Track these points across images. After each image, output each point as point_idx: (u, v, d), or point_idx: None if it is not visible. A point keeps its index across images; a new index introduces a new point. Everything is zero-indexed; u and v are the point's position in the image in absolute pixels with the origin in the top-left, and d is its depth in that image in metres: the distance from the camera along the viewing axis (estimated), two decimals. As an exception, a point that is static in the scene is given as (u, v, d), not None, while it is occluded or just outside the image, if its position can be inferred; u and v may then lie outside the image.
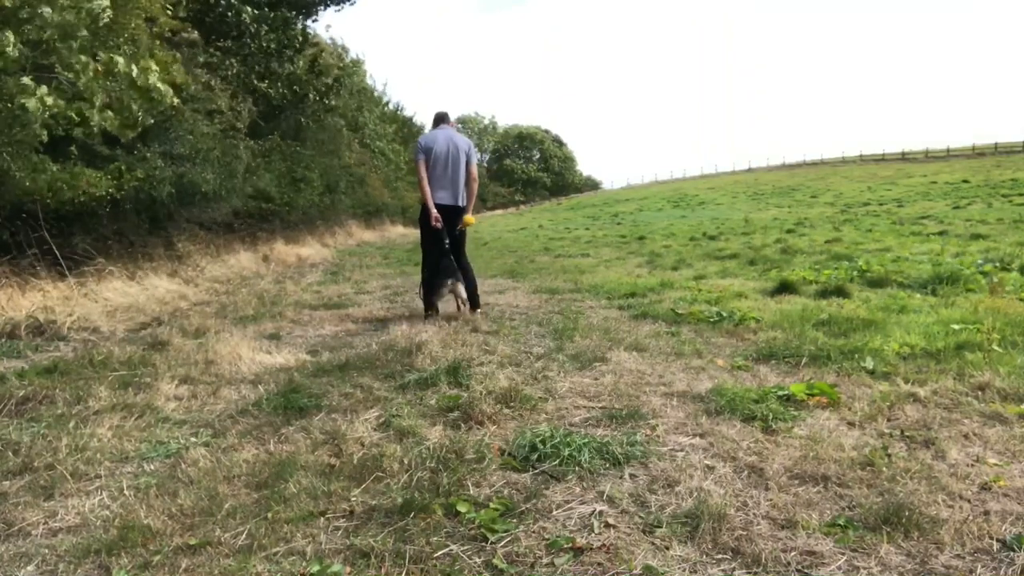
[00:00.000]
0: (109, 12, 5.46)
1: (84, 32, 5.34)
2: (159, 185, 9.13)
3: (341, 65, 25.13)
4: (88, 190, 7.20)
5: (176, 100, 6.44)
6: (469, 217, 6.05)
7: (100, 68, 5.50)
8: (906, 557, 1.92)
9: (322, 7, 17.47)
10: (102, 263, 7.93)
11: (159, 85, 5.86)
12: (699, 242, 14.76)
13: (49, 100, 5.23)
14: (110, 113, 5.82)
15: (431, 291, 5.84)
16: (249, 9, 14.11)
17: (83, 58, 5.33)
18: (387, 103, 39.21)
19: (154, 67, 5.91)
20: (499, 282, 9.08)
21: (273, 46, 15.22)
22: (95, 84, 5.50)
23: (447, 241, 5.77)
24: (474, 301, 6.00)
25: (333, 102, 19.22)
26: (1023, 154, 48.48)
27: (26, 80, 5.10)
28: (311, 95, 17.36)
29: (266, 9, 14.89)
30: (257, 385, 3.86)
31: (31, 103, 5.12)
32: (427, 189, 5.75)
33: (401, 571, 1.90)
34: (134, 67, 5.67)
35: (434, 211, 5.71)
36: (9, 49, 4.68)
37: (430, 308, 5.94)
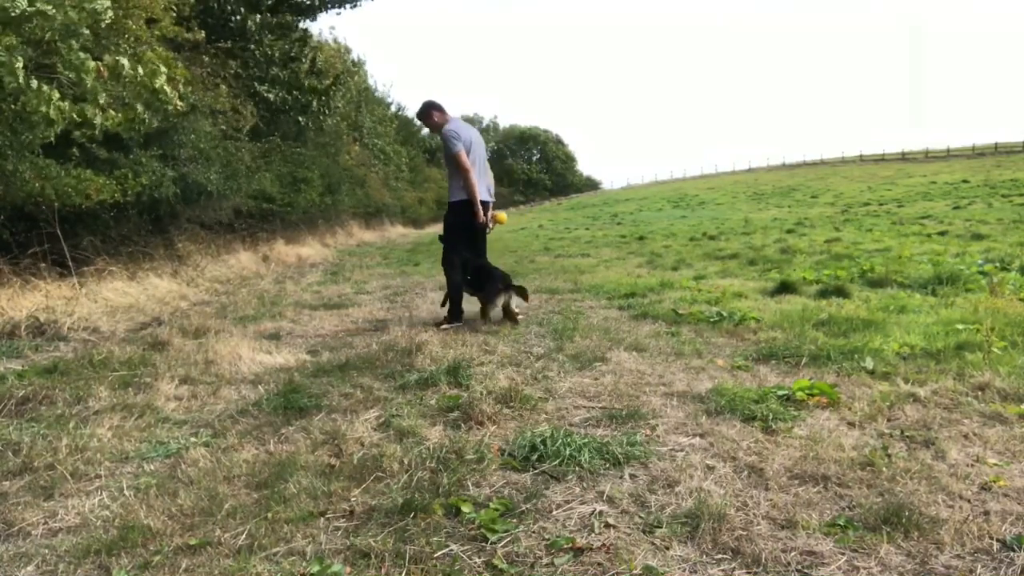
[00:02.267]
0: (110, 12, 5.45)
1: (86, 31, 5.33)
2: (163, 187, 9.14)
3: (341, 64, 25.09)
4: (94, 195, 7.21)
5: (181, 104, 6.42)
6: (501, 214, 5.87)
7: (104, 70, 5.49)
8: (906, 557, 1.92)
9: (323, 10, 17.46)
10: (103, 263, 7.93)
11: (166, 88, 5.85)
12: (699, 242, 14.76)
13: (64, 105, 5.22)
14: (112, 112, 5.81)
15: (489, 298, 5.46)
16: (257, 17, 14.10)
17: (83, 56, 5.32)
18: (389, 103, 39.24)
19: (163, 69, 5.91)
20: (499, 282, 9.07)
21: (277, 54, 15.23)
22: (98, 85, 5.49)
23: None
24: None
25: (334, 104, 19.18)
26: (1023, 154, 48.48)
27: (44, 87, 5.08)
28: (314, 104, 17.36)
29: (268, 15, 14.88)
30: (257, 385, 3.86)
31: (51, 111, 5.11)
32: (475, 183, 5.41)
33: (401, 571, 1.90)
34: (140, 68, 5.66)
35: (480, 208, 5.45)
36: (18, 67, 4.66)
37: (456, 318, 5.53)
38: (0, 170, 6.27)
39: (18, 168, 6.31)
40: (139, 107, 5.92)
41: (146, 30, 7.74)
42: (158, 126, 7.26)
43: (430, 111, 5.65)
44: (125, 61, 5.59)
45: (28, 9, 4.68)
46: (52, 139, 5.89)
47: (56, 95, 5.16)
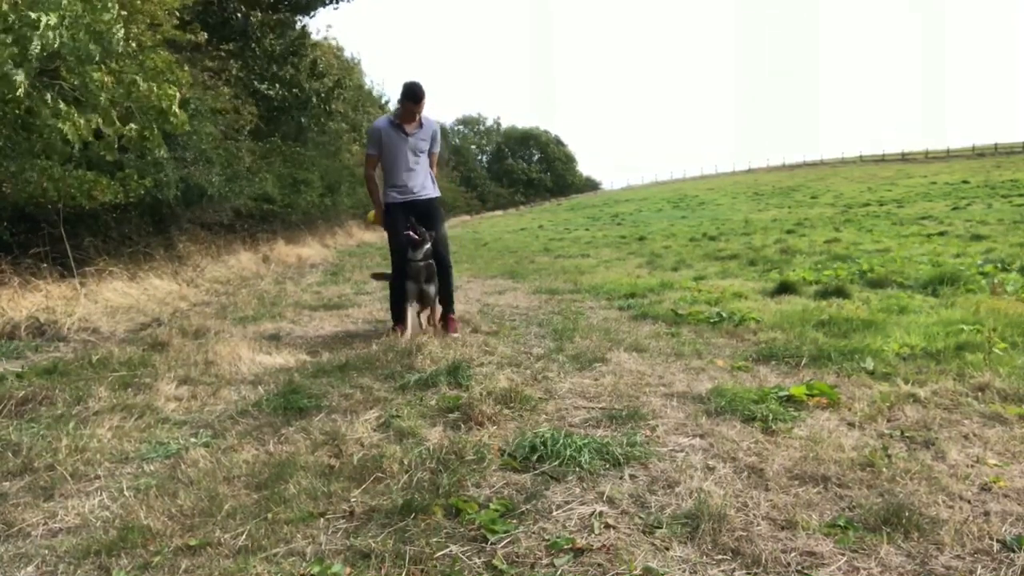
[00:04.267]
0: (122, 34, 5.43)
1: (96, 53, 5.31)
2: (166, 189, 9.13)
3: (340, 67, 25.08)
4: (99, 196, 7.20)
5: (186, 124, 6.43)
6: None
7: (113, 83, 5.48)
8: (906, 558, 1.92)
9: (320, 6, 17.48)
10: (103, 263, 7.93)
11: (176, 110, 5.86)
12: (699, 242, 14.76)
13: (80, 123, 5.21)
14: (117, 124, 5.80)
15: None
16: (258, 13, 14.14)
17: (97, 76, 5.31)
18: (387, 102, 39.18)
19: (176, 94, 5.91)
20: (499, 282, 9.08)
21: (278, 49, 15.25)
22: (106, 99, 5.47)
23: None
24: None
25: (334, 106, 19.19)
26: (1023, 154, 48.48)
27: (62, 104, 5.06)
28: (313, 99, 17.36)
29: (269, 12, 14.93)
30: (257, 385, 3.86)
31: (67, 128, 5.09)
32: None
33: (401, 572, 1.90)
34: (155, 87, 5.66)
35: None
36: (20, 79, 4.63)
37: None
38: (3, 171, 6.27)
39: (23, 169, 6.31)
40: (154, 127, 5.93)
41: (149, 35, 7.74)
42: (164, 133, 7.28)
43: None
44: (140, 79, 5.59)
45: (32, 34, 4.63)
46: (68, 154, 5.90)
47: (75, 113, 5.15)
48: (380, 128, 5.15)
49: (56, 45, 4.66)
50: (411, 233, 4.99)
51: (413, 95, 4.96)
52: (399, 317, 5.15)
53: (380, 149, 5.14)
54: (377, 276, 6.16)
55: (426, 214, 5.18)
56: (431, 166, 5.32)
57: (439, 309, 5.30)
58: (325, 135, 21.23)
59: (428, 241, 5.05)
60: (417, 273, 5.01)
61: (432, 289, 5.08)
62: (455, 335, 4.99)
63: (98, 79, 5.33)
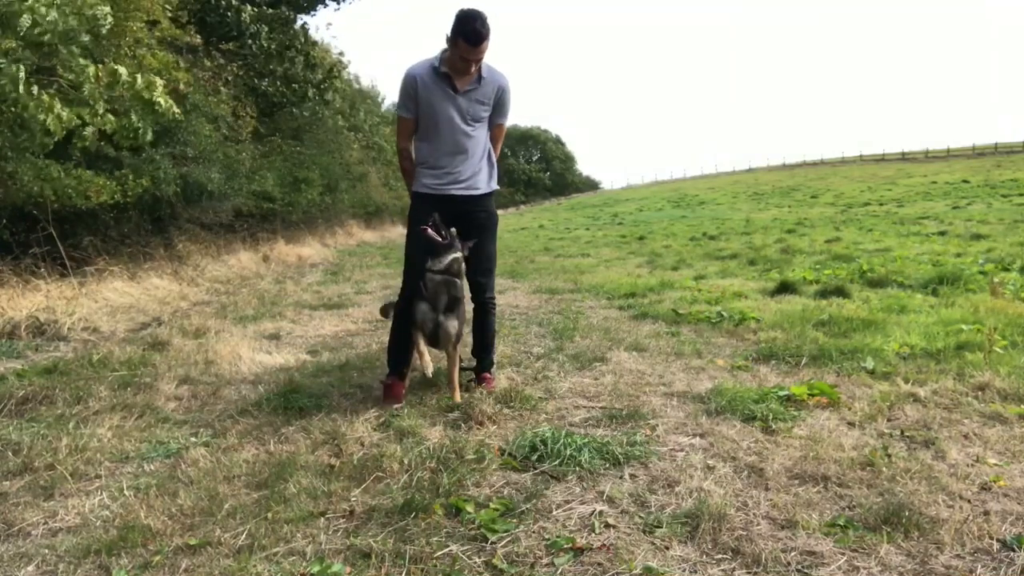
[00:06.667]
0: (110, 18, 5.43)
1: (86, 37, 5.31)
2: (164, 186, 9.13)
3: (333, 59, 25.02)
4: (95, 197, 7.20)
5: (178, 112, 6.39)
6: None
7: (103, 77, 5.48)
8: (906, 557, 1.92)
9: (321, 5, 17.48)
10: (103, 263, 7.93)
11: (161, 100, 5.84)
12: (699, 242, 14.76)
13: (64, 114, 5.21)
14: (111, 117, 5.80)
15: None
16: (249, 8, 14.09)
17: (83, 62, 5.31)
18: (383, 100, 39.11)
19: (158, 81, 5.89)
20: (499, 282, 9.06)
21: (274, 47, 15.23)
22: (96, 91, 5.48)
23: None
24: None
25: (329, 96, 19.17)
26: (1023, 154, 48.49)
27: (44, 96, 5.07)
28: (310, 92, 17.35)
29: (266, 7, 14.90)
30: (257, 385, 3.86)
31: (50, 120, 5.09)
32: None
33: (401, 571, 1.90)
34: (138, 77, 5.65)
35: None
36: (20, 76, 4.64)
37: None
38: (0, 171, 6.27)
39: (18, 169, 6.31)
40: (133, 116, 5.89)
41: (146, 32, 7.74)
42: (159, 127, 7.24)
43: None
44: (123, 70, 5.58)
45: (22, 7, 4.64)
46: (51, 146, 5.89)
47: (57, 105, 5.15)
48: (416, 76, 3.34)
49: (47, 23, 4.66)
50: (429, 229, 3.35)
51: (473, 34, 3.12)
52: (397, 362, 3.57)
53: (417, 109, 3.40)
54: (385, 311, 4.27)
55: (470, 218, 3.52)
56: (492, 143, 3.60)
57: (459, 354, 3.58)
58: (324, 131, 21.19)
59: (458, 248, 3.42)
60: (435, 292, 3.37)
61: (453, 325, 3.41)
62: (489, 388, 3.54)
63: (91, 72, 5.33)
